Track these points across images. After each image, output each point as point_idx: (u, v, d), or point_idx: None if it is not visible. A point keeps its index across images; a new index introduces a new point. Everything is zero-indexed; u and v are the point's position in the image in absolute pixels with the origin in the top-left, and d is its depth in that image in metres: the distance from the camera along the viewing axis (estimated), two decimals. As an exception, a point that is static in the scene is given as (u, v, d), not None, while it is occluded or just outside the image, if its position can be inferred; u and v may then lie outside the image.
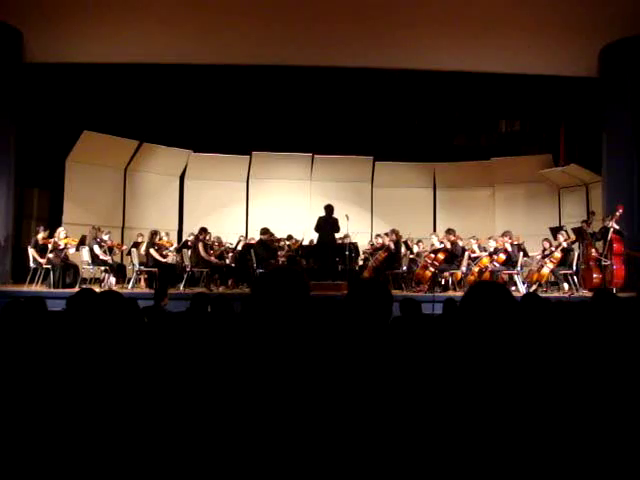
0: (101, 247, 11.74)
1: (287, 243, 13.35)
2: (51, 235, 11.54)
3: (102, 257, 11.69)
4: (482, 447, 1.72)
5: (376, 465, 1.68)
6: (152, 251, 12.04)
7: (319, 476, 1.65)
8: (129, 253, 12.62)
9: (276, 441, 1.67)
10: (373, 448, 1.70)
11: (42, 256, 11.28)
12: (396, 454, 1.70)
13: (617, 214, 10.77)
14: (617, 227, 10.80)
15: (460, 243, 12.36)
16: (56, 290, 10.60)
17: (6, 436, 1.88)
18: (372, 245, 13.81)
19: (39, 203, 14.28)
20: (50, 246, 11.23)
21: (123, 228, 14.81)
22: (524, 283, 11.73)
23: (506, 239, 11.75)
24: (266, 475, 1.64)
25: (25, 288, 11.01)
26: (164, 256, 12.28)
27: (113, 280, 11.71)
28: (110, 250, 11.96)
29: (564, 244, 11.41)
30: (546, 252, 11.61)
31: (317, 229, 12.10)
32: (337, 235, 12.33)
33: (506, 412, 1.78)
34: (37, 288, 11.00)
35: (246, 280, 12.27)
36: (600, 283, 10.88)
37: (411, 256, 12.64)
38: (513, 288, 11.45)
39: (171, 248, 12.75)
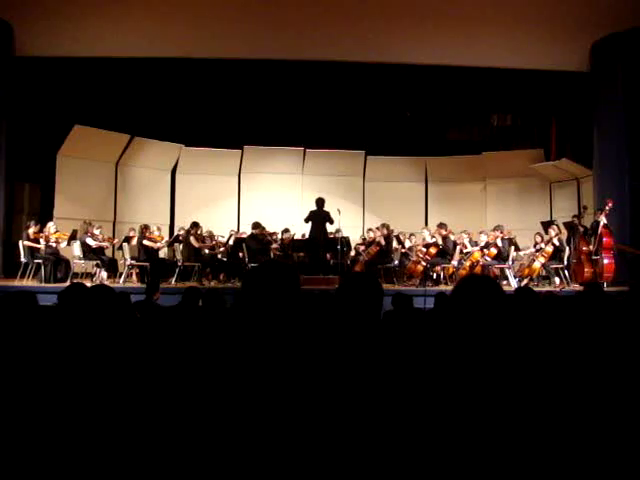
0: (95, 240, 11.74)
1: (280, 237, 13.33)
2: (42, 230, 11.50)
3: (94, 244, 11.68)
4: (474, 439, 1.74)
5: (368, 457, 1.69)
6: (146, 242, 12.04)
7: (311, 470, 1.66)
8: (120, 247, 12.59)
9: (268, 434, 1.68)
10: (365, 441, 1.71)
11: (37, 250, 11.22)
12: (388, 447, 1.71)
13: (607, 208, 10.81)
14: (606, 221, 10.84)
15: (452, 237, 12.40)
16: (47, 285, 10.55)
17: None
18: (364, 239, 13.82)
19: (30, 197, 14.21)
20: (42, 240, 11.19)
21: (114, 222, 14.77)
22: (515, 277, 11.77)
23: (497, 233, 11.79)
24: (257, 470, 1.65)
25: (16, 283, 10.99)
26: (157, 249, 12.32)
27: (105, 274, 11.70)
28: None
29: (555, 240, 11.44)
30: (538, 246, 11.64)
31: (307, 220, 12.19)
32: (331, 227, 12.40)
33: (498, 405, 1.79)
34: (28, 283, 10.97)
35: (238, 274, 12.26)
36: (591, 277, 10.92)
37: (403, 250, 12.65)
38: (505, 282, 11.50)
39: (162, 242, 12.72)
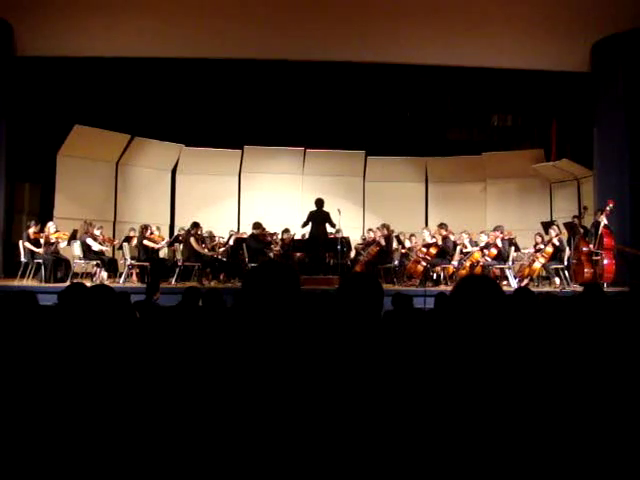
0: (95, 240, 11.74)
1: (280, 237, 13.34)
2: (42, 229, 11.49)
3: (97, 248, 11.69)
4: (473, 438, 1.74)
5: (368, 457, 1.69)
6: (146, 242, 12.04)
7: (311, 469, 1.66)
8: (121, 247, 12.59)
9: (268, 434, 1.68)
10: (365, 441, 1.71)
11: (37, 251, 11.22)
12: (389, 446, 1.71)
13: (607, 209, 10.80)
14: (607, 222, 10.83)
15: (452, 237, 12.39)
16: (47, 285, 10.55)
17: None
18: (364, 240, 13.82)
19: (30, 197, 14.21)
20: (42, 240, 11.18)
21: (115, 222, 14.77)
22: (515, 277, 11.76)
23: (497, 233, 11.79)
24: (257, 469, 1.65)
25: (16, 283, 10.98)
26: (157, 249, 12.33)
27: (105, 274, 11.69)
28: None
29: (555, 241, 11.43)
30: (538, 246, 11.64)
31: (305, 224, 12.22)
32: (332, 229, 12.40)
33: (497, 405, 1.79)
34: (28, 283, 10.96)
35: (238, 274, 12.26)
36: (591, 278, 10.91)
37: (403, 250, 12.64)
38: (505, 282, 11.50)
39: (162, 243, 12.71)
